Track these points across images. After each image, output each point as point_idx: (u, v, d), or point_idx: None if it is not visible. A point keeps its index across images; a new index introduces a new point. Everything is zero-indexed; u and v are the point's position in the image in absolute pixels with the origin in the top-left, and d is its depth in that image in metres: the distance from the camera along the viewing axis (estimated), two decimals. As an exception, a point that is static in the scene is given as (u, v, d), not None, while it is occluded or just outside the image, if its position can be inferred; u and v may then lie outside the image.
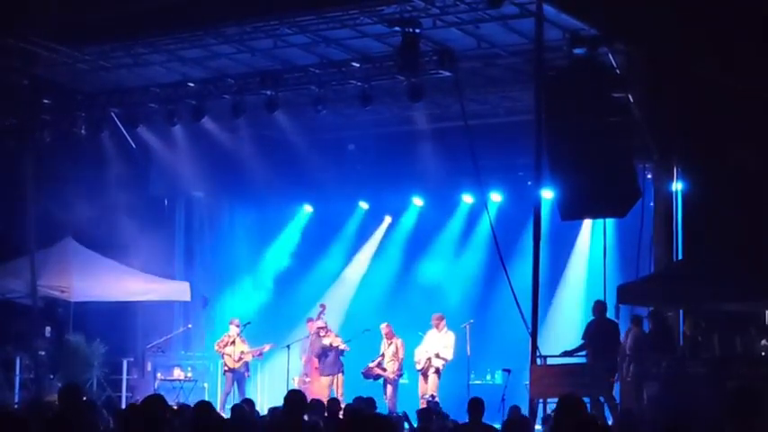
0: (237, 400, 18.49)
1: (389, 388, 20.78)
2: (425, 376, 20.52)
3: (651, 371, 17.00)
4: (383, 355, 20.97)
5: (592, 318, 18.15)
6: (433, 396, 19.54)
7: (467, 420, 12.77)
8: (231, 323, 22.36)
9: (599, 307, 18.01)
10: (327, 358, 21.41)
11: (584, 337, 17.81)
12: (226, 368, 22.05)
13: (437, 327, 20.64)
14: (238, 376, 21.94)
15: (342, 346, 21.35)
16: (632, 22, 17.10)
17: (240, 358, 21.84)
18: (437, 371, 20.41)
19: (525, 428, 12.61)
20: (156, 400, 9.31)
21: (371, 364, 20.94)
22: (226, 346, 21.99)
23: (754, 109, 17.04)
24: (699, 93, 17.28)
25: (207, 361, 23.14)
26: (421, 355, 20.64)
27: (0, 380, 21.15)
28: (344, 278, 25.67)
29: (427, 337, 20.79)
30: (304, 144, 23.51)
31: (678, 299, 17.54)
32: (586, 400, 15.65)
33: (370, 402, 15.38)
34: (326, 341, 21.43)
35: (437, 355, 20.40)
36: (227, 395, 21.76)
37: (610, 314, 18.14)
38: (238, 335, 22.01)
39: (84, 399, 13.96)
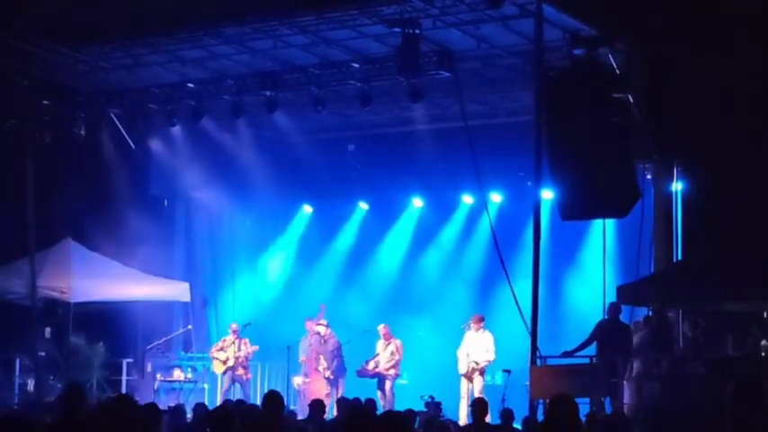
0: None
1: (387, 387, 20.67)
2: (470, 379, 20.06)
3: (651, 371, 17.00)
4: (378, 354, 20.91)
5: (603, 317, 17.89)
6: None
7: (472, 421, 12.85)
8: (229, 328, 22.37)
9: (613, 308, 17.75)
10: (335, 362, 21.41)
11: (592, 336, 17.66)
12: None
13: (475, 329, 20.09)
14: (237, 378, 21.94)
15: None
16: (632, 22, 17.11)
17: (225, 362, 21.84)
18: (481, 371, 20.05)
19: None
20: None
21: (367, 363, 20.89)
22: (219, 350, 22.03)
23: (753, 109, 17.03)
24: (698, 93, 17.26)
25: (207, 362, 23.11)
26: (462, 357, 20.10)
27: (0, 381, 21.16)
28: (345, 279, 25.66)
29: (466, 338, 20.24)
30: (304, 144, 23.51)
31: (678, 299, 17.51)
32: (587, 400, 15.76)
33: (370, 404, 15.32)
34: (333, 342, 21.43)
35: (476, 362, 20.06)
36: (225, 394, 21.72)
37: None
38: (238, 337, 21.99)
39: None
